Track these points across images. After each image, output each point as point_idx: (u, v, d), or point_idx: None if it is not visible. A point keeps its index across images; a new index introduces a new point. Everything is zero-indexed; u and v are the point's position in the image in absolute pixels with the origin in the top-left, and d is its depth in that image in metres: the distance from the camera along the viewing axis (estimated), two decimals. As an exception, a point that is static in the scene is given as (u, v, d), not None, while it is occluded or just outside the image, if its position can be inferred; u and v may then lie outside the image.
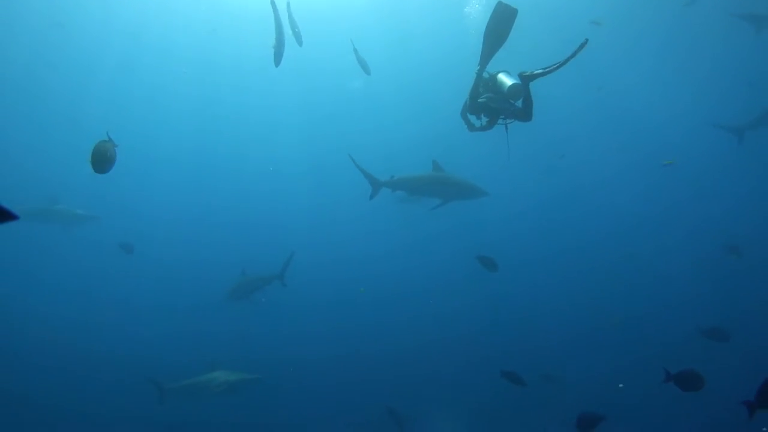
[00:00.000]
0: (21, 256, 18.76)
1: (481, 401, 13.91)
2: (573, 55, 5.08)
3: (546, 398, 12.99)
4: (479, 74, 5.70)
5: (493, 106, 5.59)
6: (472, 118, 6.10)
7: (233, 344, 14.62)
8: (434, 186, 11.01)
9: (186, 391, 10.86)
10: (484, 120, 5.94)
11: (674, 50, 20.98)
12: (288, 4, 8.75)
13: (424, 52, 22.70)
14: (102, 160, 5.30)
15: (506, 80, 5.42)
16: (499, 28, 5.50)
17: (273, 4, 8.24)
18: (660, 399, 12.78)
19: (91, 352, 15.55)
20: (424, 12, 20.59)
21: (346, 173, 23.63)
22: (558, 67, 5.19)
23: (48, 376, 14.51)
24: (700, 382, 7.22)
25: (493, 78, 5.57)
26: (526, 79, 5.38)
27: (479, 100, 5.67)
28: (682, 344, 13.76)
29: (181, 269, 19.59)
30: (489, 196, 11.41)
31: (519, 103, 5.48)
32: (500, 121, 5.85)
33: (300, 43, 9.14)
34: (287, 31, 8.55)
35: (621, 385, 13.51)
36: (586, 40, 5.01)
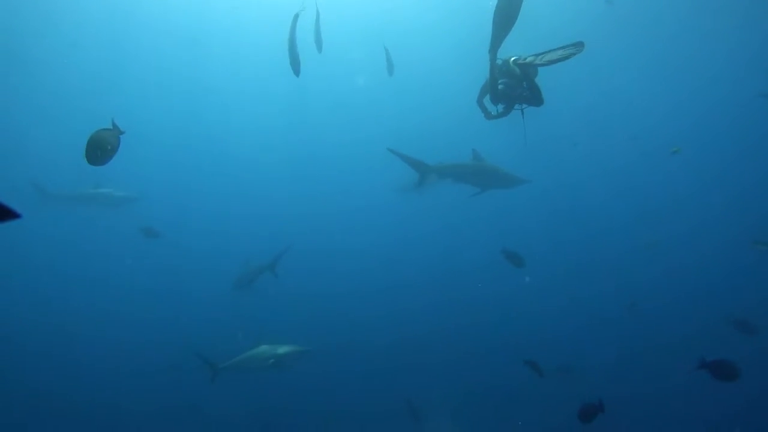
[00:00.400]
0: (42, 248, 19.13)
1: (494, 390, 13.90)
2: (565, 57, 5.22)
3: (560, 388, 12.90)
4: (492, 60, 5.74)
5: (510, 92, 5.67)
6: (489, 106, 6.13)
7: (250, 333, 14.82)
8: (477, 175, 11.06)
9: (237, 368, 10.60)
10: (501, 107, 5.97)
11: (688, 34, 20.60)
12: (317, 12, 8.94)
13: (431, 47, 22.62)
14: (96, 151, 4.85)
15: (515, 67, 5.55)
16: (508, 10, 5.44)
17: (295, 19, 8.17)
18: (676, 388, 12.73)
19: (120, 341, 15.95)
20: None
21: (355, 164, 23.79)
22: (550, 63, 5.32)
23: (80, 369, 14.90)
24: (735, 373, 7.09)
25: (506, 63, 5.66)
26: (522, 67, 5.52)
27: (498, 86, 5.73)
28: (701, 334, 13.65)
29: (197, 256, 19.71)
30: (530, 183, 11.59)
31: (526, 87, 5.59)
32: (516, 107, 5.93)
33: (320, 49, 9.14)
34: (304, 38, 8.54)
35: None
36: (582, 44, 5.17)
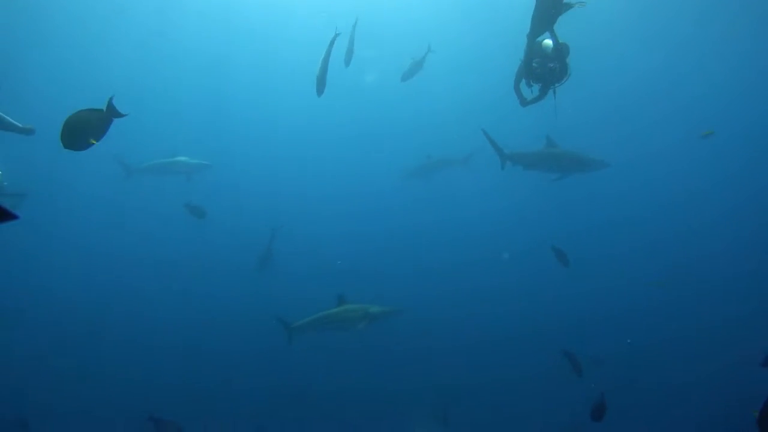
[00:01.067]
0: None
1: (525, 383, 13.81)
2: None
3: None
4: (530, 40, 6.08)
5: (542, 70, 6.13)
6: (525, 92, 6.54)
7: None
8: (556, 160, 11.20)
9: (319, 327, 10.01)
10: (535, 90, 6.44)
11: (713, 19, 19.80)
12: (354, 23, 9.05)
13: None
14: (72, 134, 4.26)
15: (550, 43, 6.04)
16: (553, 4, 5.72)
17: (333, 39, 8.21)
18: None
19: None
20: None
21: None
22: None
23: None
24: None
25: (539, 44, 6.10)
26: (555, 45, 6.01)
27: (533, 65, 6.16)
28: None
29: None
30: (610, 167, 11.50)
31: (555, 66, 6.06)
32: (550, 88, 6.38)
33: (348, 63, 9.01)
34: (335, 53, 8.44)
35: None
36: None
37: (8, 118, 6.02)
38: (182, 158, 16.61)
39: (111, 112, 4.51)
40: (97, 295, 17.29)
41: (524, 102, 6.60)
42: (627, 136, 22.29)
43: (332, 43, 8.08)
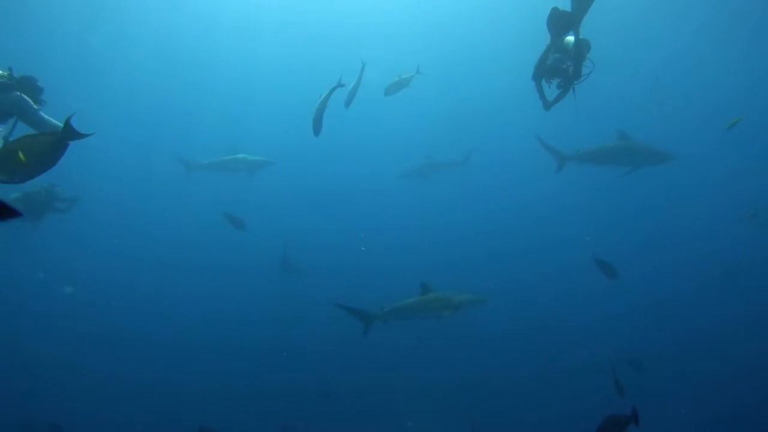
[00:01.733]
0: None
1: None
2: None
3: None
4: (553, 39, 6.14)
5: (560, 66, 6.12)
6: (545, 91, 6.50)
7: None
8: (624, 154, 11.27)
9: (403, 314, 9.69)
10: (555, 90, 6.39)
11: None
12: (362, 67, 9.26)
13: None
14: (6, 163, 3.55)
15: (571, 39, 6.07)
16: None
17: (334, 88, 8.37)
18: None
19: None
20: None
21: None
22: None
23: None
24: None
25: (561, 41, 6.15)
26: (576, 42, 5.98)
27: (547, 62, 6.18)
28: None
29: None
30: (679, 158, 11.49)
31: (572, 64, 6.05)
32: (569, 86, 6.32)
33: (348, 105, 8.95)
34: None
35: None
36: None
37: (58, 123, 5.89)
38: (243, 155, 16.25)
39: (68, 135, 3.83)
40: (124, 300, 17.51)
41: (547, 104, 6.58)
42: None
43: (333, 90, 8.26)
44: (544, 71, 6.30)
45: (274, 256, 15.47)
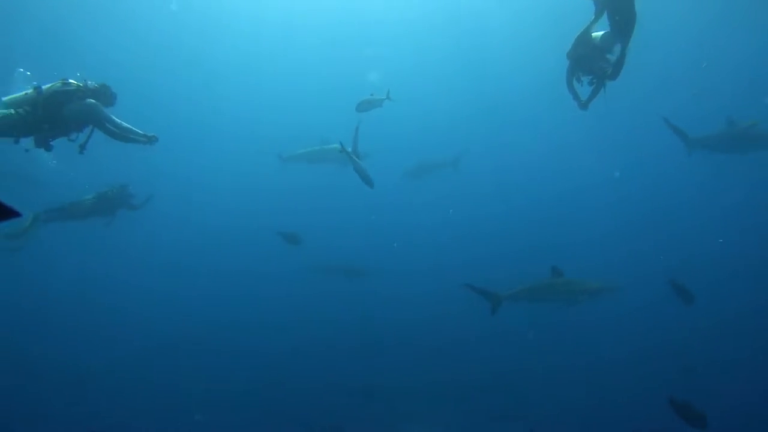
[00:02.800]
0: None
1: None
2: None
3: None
4: (583, 33, 6.28)
5: (588, 59, 6.28)
6: (577, 88, 6.64)
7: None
8: (745, 140, 11.16)
9: (533, 297, 9.44)
10: (587, 85, 6.49)
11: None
12: (357, 126, 9.08)
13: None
14: None
15: (598, 33, 6.24)
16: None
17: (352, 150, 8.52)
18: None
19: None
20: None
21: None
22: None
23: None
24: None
25: (587, 34, 6.30)
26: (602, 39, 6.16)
27: (582, 52, 6.32)
28: None
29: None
30: None
31: (611, 60, 6.18)
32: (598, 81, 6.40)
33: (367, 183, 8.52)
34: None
35: None
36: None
37: (135, 128, 5.98)
38: (335, 146, 15.85)
39: None
40: (165, 307, 17.78)
41: (582, 104, 6.67)
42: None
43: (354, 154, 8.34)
44: (572, 66, 6.47)
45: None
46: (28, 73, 8.56)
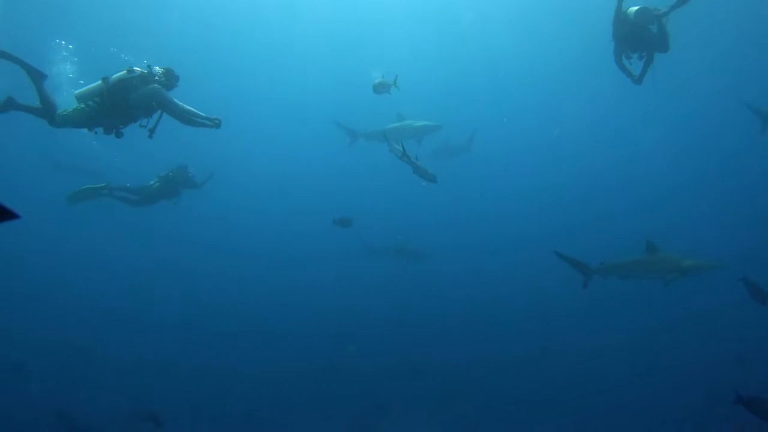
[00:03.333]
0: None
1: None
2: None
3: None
4: (618, 7, 6.40)
5: (632, 36, 6.40)
6: (626, 65, 6.73)
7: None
8: None
9: (625, 271, 9.20)
10: (636, 61, 6.63)
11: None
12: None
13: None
14: None
15: (632, 9, 6.32)
16: None
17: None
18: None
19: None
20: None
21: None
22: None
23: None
24: None
25: (624, 11, 6.41)
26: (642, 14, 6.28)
27: (622, 30, 6.45)
28: None
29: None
30: None
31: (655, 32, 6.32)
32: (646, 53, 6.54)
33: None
34: None
35: None
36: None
37: (199, 112, 6.05)
38: (411, 122, 15.27)
39: None
40: (215, 295, 18.18)
41: (635, 79, 6.75)
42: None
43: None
44: (619, 42, 6.56)
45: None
46: (63, 42, 8.88)
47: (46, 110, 5.75)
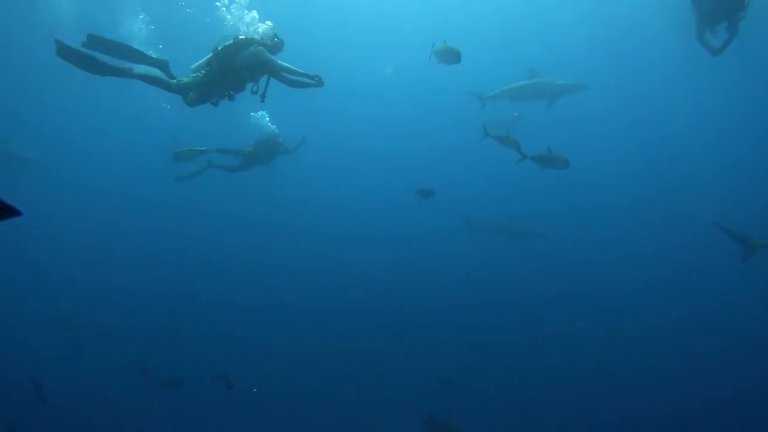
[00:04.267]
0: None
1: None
2: None
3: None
4: None
5: (721, 8, 6.47)
6: (709, 38, 6.83)
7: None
8: None
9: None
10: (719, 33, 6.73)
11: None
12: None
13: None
14: None
15: None
16: None
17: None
18: None
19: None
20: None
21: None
22: None
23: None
24: None
25: None
26: None
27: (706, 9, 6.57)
28: None
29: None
30: None
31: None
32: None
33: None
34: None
35: None
36: None
37: (299, 69, 6.13)
38: (547, 79, 13.81)
39: None
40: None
41: (715, 51, 6.85)
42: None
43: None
44: (701, 17, 6.68)
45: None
46: (142, 16, 9.26)
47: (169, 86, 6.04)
